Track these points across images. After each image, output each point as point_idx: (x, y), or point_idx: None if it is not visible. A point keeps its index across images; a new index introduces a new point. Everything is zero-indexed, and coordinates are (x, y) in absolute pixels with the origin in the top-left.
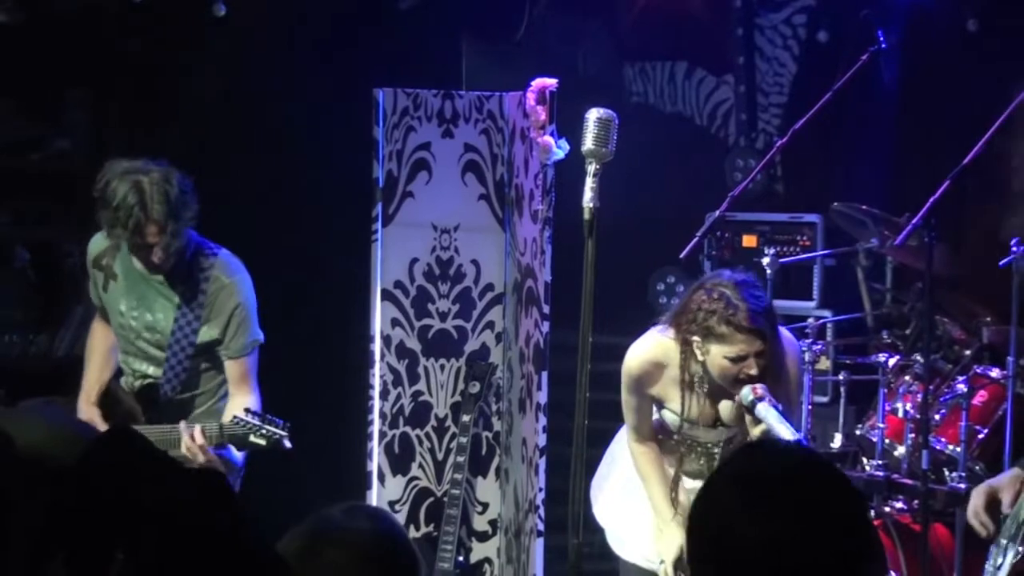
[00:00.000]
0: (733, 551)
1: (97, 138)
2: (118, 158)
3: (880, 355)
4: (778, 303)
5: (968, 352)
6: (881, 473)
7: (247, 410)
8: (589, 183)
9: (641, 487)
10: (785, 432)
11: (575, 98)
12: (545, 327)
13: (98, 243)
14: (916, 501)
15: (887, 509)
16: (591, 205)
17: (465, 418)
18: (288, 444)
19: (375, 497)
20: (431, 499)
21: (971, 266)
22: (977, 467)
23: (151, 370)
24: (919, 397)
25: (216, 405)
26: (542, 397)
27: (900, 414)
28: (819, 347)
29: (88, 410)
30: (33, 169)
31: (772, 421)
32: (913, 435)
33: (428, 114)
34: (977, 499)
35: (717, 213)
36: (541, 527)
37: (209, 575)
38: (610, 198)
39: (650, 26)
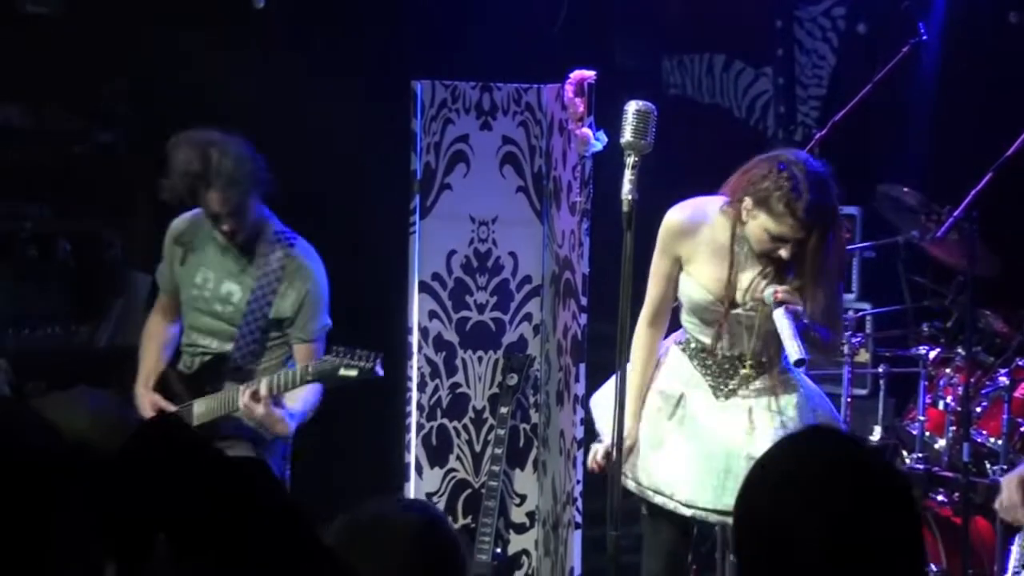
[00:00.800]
0: (785, 545)
1: (138, 131)
2: (156, 150)
3: (921, 348)
4: None
5: (1011, 345)
6: (921, 466)
7: (333, 348)
8: (627, 175)
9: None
10: (792, 349)
11: (613, 90)
12: (583, 319)
13: (183, 220)
14: (957, 494)
15: (928, 502)
16: (629, 197)
17: (503, 410)
18: (380, 371)
19: (413, 489)
20: (469, 491)
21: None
22: (1019, 460)
23: (214, 345)
24: (960, 390)
25: None
26: (580, 389)
27: (941, 407)
28: (858, 339)
29: (146, 395)
30: (75, 161)
31: (784, 332)
32: (954, 428)
33: (466, 106)
34: (1013, 493)
35: None
36: (579, 519)
37: (252, 562)
38: (648, 190)
39: (688, 17)
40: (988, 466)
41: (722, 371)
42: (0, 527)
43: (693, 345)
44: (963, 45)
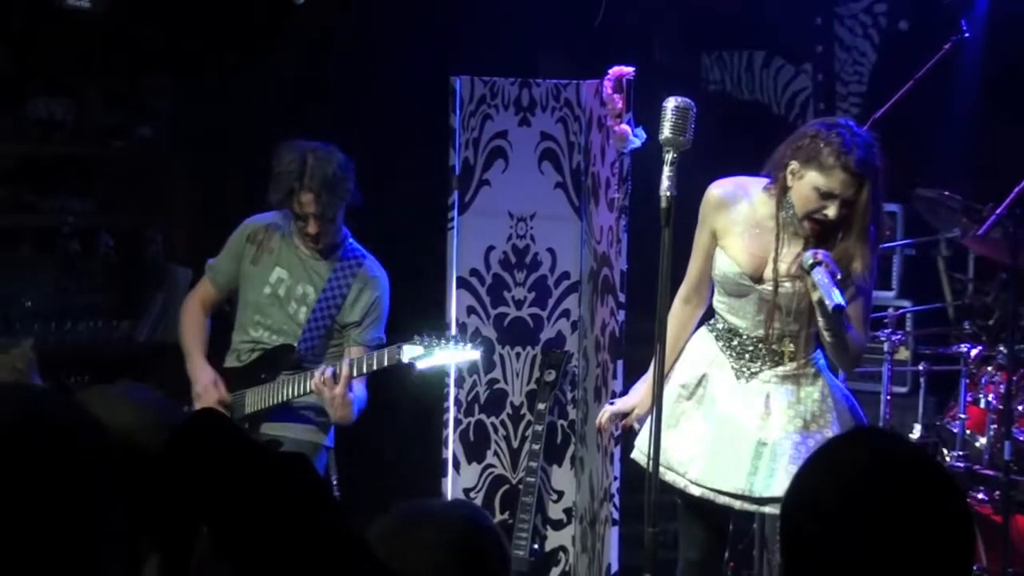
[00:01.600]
0: (833, 545)
1: (179, 125)
2: (197, 145)
3: (962, 345)
4: None
5: None
6: (962, 464)
7: (426, 333)
8: (666, 171)
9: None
10: (833, 296)
11: (652, 86)
12: (621, 315)
13: (260, 221)
14: (997, 492)
15: (968, 500)
16: (668, 194)
17: (540, 406)
18: (477, 355)
19: (450, 484)
20: (506, 487)
21: None
22: None
23: (275, 339)
24: (1002, 387)
25: None
26: (617, 385)
27: (982, 404)
28: (898, 337)
29: (202, 368)
30: (116, 156)
31: (822, 283)
32: (995, 426)
33: (505, 102)
34: None
35: None
36: (616, 515)
37: (293, 555)
38: (687, 187)
39: (728, 14)
40: None
41: (746, 353)
42: (45, 521)
43: (720, 326)
44: (1006, 42)
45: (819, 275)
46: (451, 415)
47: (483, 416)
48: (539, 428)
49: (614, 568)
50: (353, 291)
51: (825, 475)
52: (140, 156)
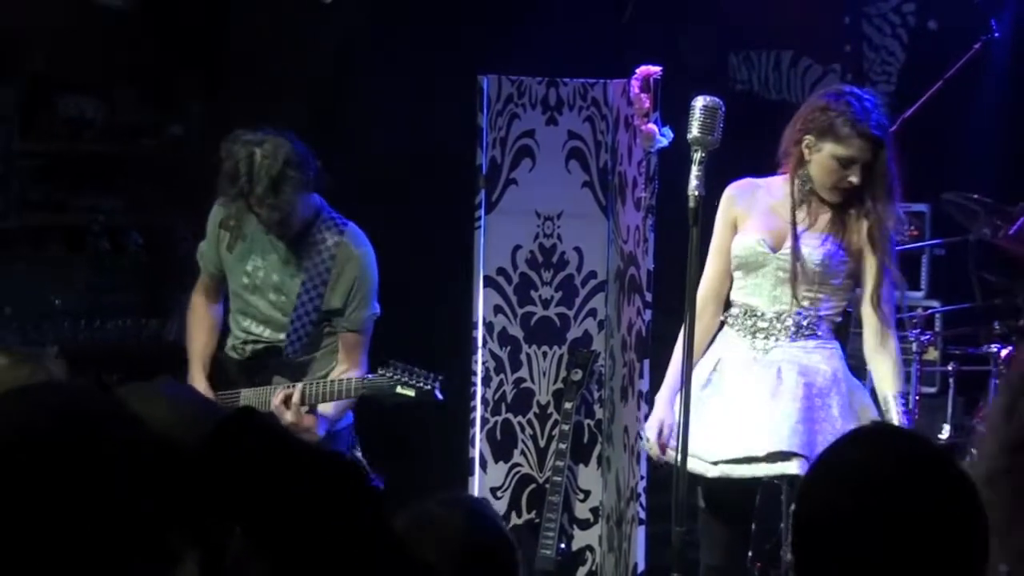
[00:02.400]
0: (846, 543)
1: (209, 124)
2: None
3: (992, 345)
4: None
5: None
6: None
7: (390, 362)
8: (694, 171)
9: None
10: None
11: (679, 86)
12: (647, 315)
13: (228, 205)
14: None
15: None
16: (696, 193)
17: (567, 405)
18: (440, 396)
19: (477, 483)
20: (533, 486)
21: None
22: None
23: (267, 333)
24: None
25: (331, 369)
26: (644, 385)
27: None
28: (927, 337)
29: (201, 382)
30: (147, 155)
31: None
32: None
33: (532, 101)
34: None
35: None
36: (643, 515)
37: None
38: (715, 186)
39: (756, 13)
40: None
41: (761, 332)
42: (84, 516)
43: (735, 311)
44: None
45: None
46: (478, 414)
47: (510, 415)
48: (566, 427)
49: (641, 567)
50: (333, 274)
51: (840, 476)
52: (170, 154)
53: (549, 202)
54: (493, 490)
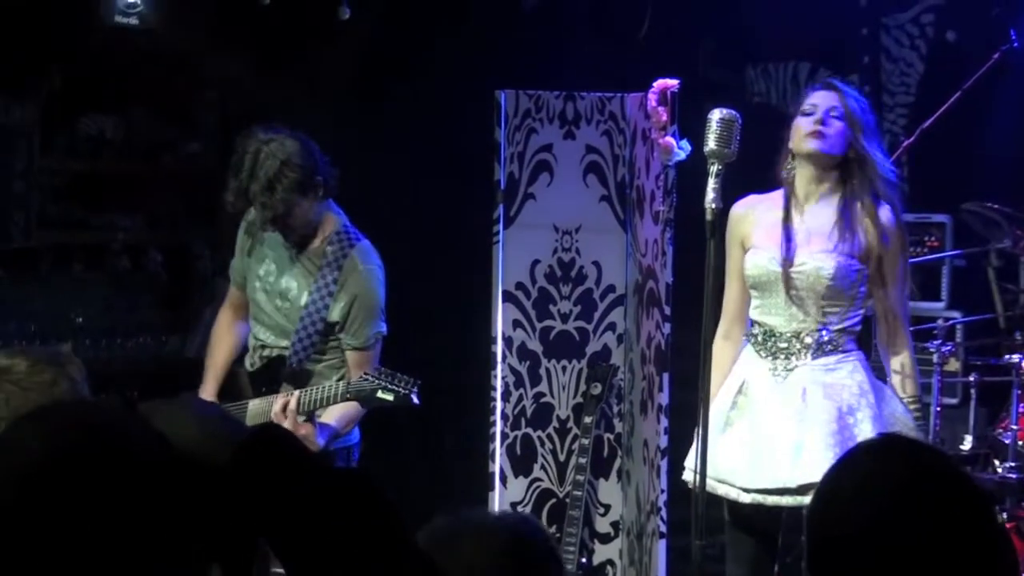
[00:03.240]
0: (860, 557)
1: (227, 141)
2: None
3: (1014, 356)
4: None
5: None
6: (1014, 475)
7: (375, 368)
8: (711, 184)
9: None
10: None
11: (697, 98)
12: (666, 328)
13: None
14: None
15: (1020, 511)
16: (713, 206)
17: (587, 420)
18: (416, 400)
19: (497, 498)
20: (553, 500)
21: None
22: None
23: (271, 339)
24: None
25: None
26: (663, 399)
27: None
28: (948, 348)
29: (209, 392)
30: (165, 172)
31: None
32: None
33: (550, 115)
34: None
35: None
36: (663, 529)
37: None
38: (732, 199)
39: (773, 25)
40: None
41: (781, 352)
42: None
43: (756, 331)
44: None
45: None
46: (498, 429)
47: (530, 430)
48: (585, 442)
49: None
50: (339, 287)
51: (857, 489)
52: (189, 172)
53: (567, 216)
54: (513, 505)
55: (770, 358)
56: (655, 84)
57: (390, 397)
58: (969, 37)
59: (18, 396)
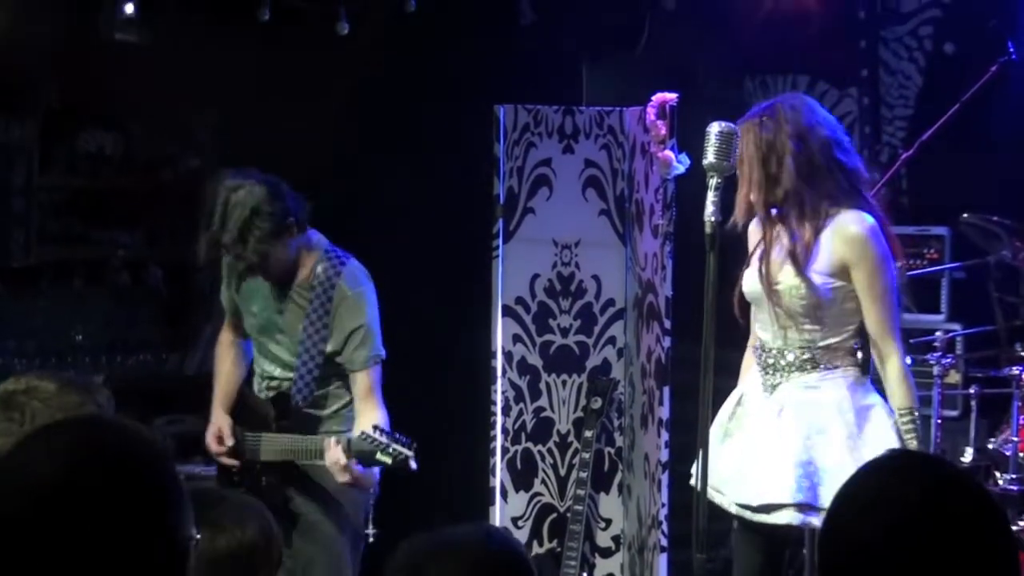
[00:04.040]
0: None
1: (227, 157)
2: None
3: (1014, 368)
4: (905, 317)
5: None
6: (1015, 487)
7: (375, 427)
8: (710, 197)
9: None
10: None
11: (695, 112)
12: (666, 342)
13: None
14: None
15: (1021, 523)
16: (712, 219)
17: (587, 434)
18: (414, 466)
19: (498, 513)
20: (554, 515)
21: None
22: None
23: (277, 372)
24: None
25: (347, 413)
26: (664, 412)
27: None
28: (949, 360)
29: (220, 418)
30: (165, 188)
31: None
32: None
33: (549, 130)
34: None
35: None
36: (665, 543)
37: None
38: (731, 212)
39: (771, 39)
40: None
41: (769, 367)
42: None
43: (755, 344)
44: None
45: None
46: (498, 443)
47: (530, 444)
48: (586, 456)
49: None
50: (331, 317)
51: (863, 507)
52: (188, 188)
53: (566, 230)
54: (514, 519)
55: (762, 372)
56: (654, 98)
57: (388, 460)
58: (967, 49)
59: (44, 414)
